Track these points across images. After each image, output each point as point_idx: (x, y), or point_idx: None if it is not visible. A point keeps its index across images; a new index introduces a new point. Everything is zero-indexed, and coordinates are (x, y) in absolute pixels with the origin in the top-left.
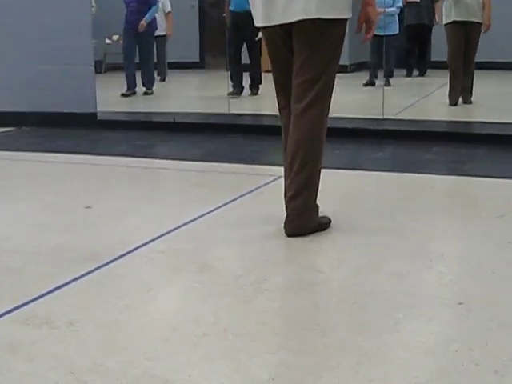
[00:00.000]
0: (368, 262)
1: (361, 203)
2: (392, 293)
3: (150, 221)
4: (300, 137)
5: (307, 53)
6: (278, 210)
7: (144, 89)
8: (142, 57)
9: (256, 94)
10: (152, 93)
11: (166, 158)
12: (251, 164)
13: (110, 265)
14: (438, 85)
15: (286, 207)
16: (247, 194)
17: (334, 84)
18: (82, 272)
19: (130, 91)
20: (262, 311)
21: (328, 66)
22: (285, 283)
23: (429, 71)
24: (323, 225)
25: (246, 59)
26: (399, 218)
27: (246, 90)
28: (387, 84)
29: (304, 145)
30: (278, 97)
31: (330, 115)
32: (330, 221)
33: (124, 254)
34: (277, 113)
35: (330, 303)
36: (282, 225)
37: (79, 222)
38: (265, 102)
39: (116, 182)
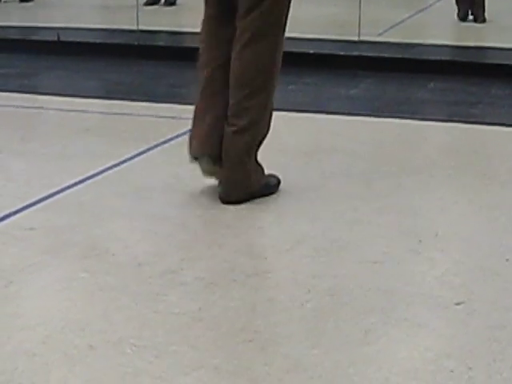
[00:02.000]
0: (331, 243)
1: (324, 161)
2: (363, 289)
3: (14, 184)
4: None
5: None
6: None
7: None
8: None
9: (173, 3)
10: None
11: (46, 93)
12: (167, 103)
13: None
14: None
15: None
16: (159, 145)
17: None
18: None
19: None
20: (174, 314)
21: None
22: (210, 274)
23: None
24: (270, 187)
25: None
26: (378, 182)
27: None
28: None
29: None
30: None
31: (285, 35)
32: (279, 182)
33: None
34: None
35: (274, 303)
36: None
37: None
38: (186, 15)
39: None
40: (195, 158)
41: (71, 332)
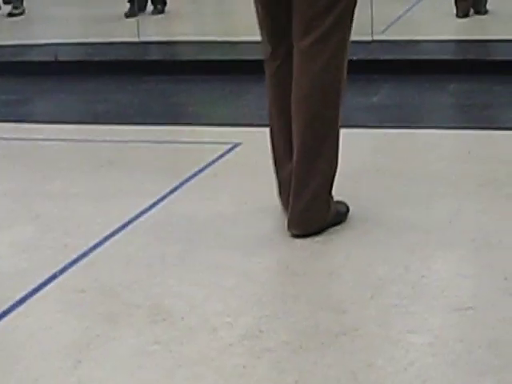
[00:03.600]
0: (414, 287)
1: (374, 185)
2: (465, 343)
3: (51, 234)
4: (309, 92)
5: None
6: (253, 202)
7: (8, 7)
8: None
9: (162, 11)
10: (22, 12)
11: (51, 122)
12: (187, 125)
13: (3, 319)
14: None
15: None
16: (192, 178)
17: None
18: None
19: None
20: None
21: None
22: (294, 336)
23: None
24: (340, 215)
25: None
26: (438, 206)
27: None
28: None
29: (317, 105)
30: (263, 34)
31: None
32: (348, 209)
33: (24, 298)
34: (213, 38)
35: (375, 369)
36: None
37: None
38: (186, 22)
39: None
40: None
41: None
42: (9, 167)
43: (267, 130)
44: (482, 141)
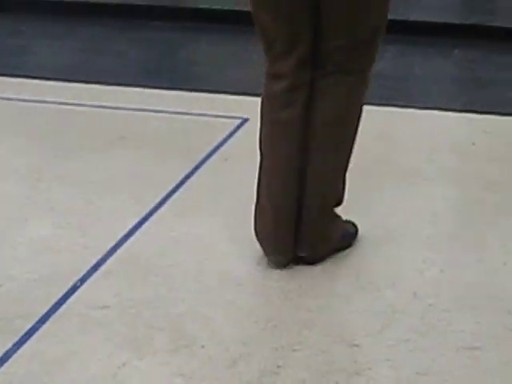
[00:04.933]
0: (423, 320)
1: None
2: None
3: (68, 231)
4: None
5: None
6: None
7: None
8: None
9: None
10: None
11: (48, 78)
12: (191, 90)
13: (31, 339)
14: None
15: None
16: (203, 162)
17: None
18: None
19: None
20: None
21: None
22: (308, 374)
23: None
24: (347, 237)
25: None
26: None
27: None
28: None
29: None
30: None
31: None
32: (357, 230)
33: (47, 315)
34: None
35: None
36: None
37: None
38: None
39: None
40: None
41: None
42: (15, 135)
43: None
44: None
